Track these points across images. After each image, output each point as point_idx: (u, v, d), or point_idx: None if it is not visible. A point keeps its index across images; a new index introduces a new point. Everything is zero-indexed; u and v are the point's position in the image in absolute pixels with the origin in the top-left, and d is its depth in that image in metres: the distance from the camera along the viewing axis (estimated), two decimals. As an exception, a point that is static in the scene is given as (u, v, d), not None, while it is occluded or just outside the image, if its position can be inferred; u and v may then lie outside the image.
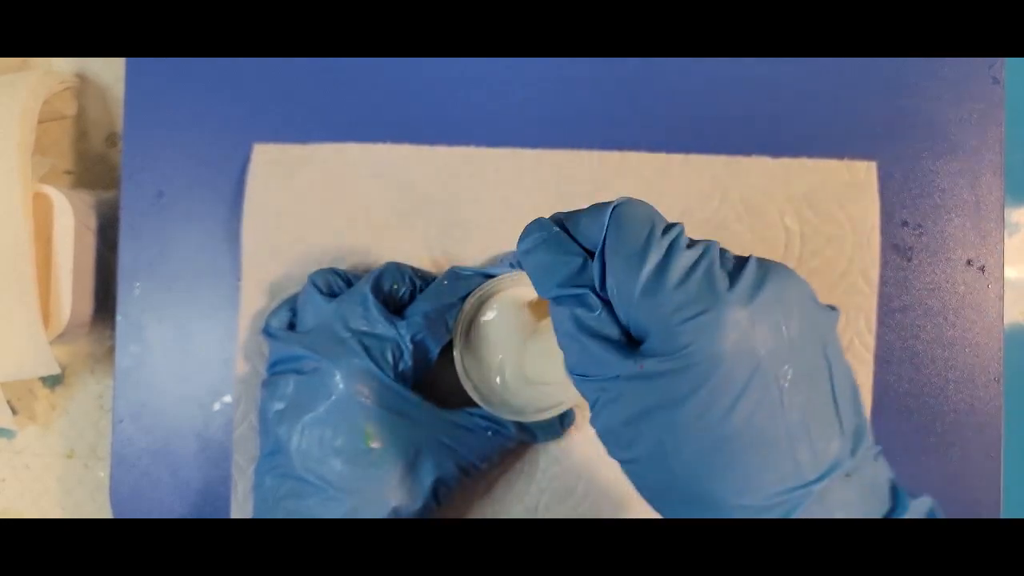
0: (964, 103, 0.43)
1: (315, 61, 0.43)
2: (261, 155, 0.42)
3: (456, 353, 0.38)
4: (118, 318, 0.43)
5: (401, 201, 0.42)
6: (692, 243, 0.26)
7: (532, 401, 0.39)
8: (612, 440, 0.27)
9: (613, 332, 0.26)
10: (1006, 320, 0.43)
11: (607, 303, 0.26)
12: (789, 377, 0.24)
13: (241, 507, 0.42)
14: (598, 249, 0.26)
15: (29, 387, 0.47)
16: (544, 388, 0.39)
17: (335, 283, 0.40)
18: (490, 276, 0.39)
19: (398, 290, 0.39)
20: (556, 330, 0.28)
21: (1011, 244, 0.45)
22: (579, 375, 0.27)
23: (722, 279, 0.25)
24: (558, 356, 0.39)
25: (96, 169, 0.48)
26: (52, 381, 0.47)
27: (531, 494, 0.41)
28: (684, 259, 0.25)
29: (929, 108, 0.43)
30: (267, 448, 0.37)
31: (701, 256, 0.25)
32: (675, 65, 0.43)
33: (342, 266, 0.41)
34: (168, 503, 0.43)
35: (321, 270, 0.40)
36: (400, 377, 0.37)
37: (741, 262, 0.26)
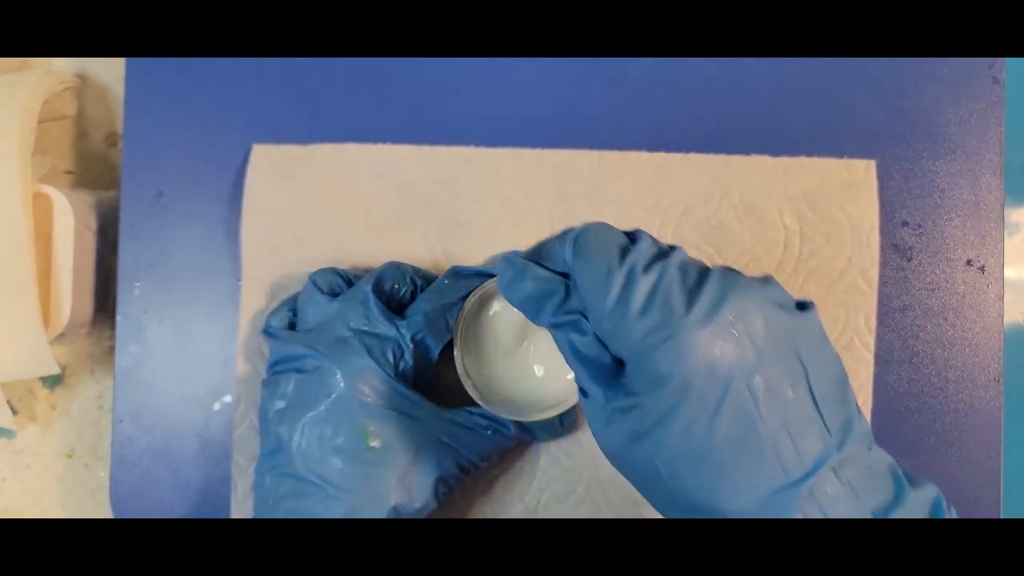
0: (964, 103, 0.43)
1: (315, 61, 0.43)
2: (260, 156, 0.42)
3: (456, 352, 0.38)
4: (118, 318, 0.43)
5: (401, 201, 0.42)
6: (653, 261, 0.27)
7: (532, 401, 0.39)
8: (613, 459, 0.28)
9: (604, 356, 0.27)
10: (1006, 320, 0.43)
11: None
12: (761, 387, 0.25)
13: (241, 507, 0.42)
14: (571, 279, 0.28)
15: (29, 387, 0.47)
16: (544, 388, 0.39)
17: (336, 283, 0.40)
18: (490, 275, 0.39)
19: (399, 290, 0.39)
20: (562, 353, 0.29)
21: (1011, 244, 0.46)
22: (583, 395, 0.28)
23: (681, 301, 0.26)
24: (558, 357, 0.39)
25: (96, 169, 0.48)
26: (52, 381, 0.47)
27: (531, 494, 0.41)
28: (643, 286, 0.26)
29: (929, 108, 0.43)
30: (267, 447, 0.37)
31: (659, 280, 0.26)
32: (675, 65, 0.43)
33: (342, 266, 0.41)
34: (168, 503, 0.43)
35: (322, 270, 0.40)
36: (401, 376, 0.37)
37: (703, 277, 0.26)
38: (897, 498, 0.26)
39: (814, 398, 0.26)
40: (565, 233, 0.28)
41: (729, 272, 0.27)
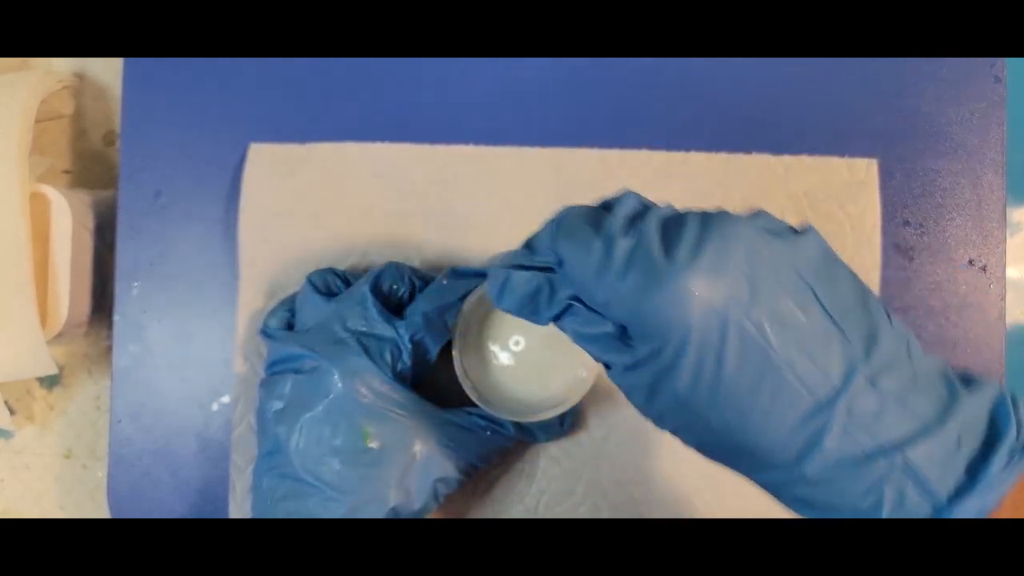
0: (965, 103, 0.43)
1: (314, 61, 0.43)
2: (258, 155, 0.42)
3: (455, 353, 0.38)
4: (116, 318, 0.43)
5: (400, 200, 0.42)
6: (633, 221, 0.27)
7: (532, 401, 0.39)
8: (651, 418, 0.28)
9: (607, 327, 0.27)
10: (1008, 320, 0.43)
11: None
12: (766, 316, 0.25)
13: (240, 507, 0.42)
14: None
15: (27, 387, 0.47)
16: (544, 388, 0.39)
17: (333, 283, 0.40)
18: (490, 276, 0.39)
19: (397, 290, 0.39)
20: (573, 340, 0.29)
21: (1013, 244, 0.45)
22: (607, 369, 0.28)
23: (659, 253, 0.26)
24: (558, 357, 0.39)
25: (94, 168, 0.47)
26: (50, 381, 0.47)
27: (531, 494, 0.41)
28: (622, 247, 0.26)
29: (930, 107, 0.43)
30: (266, 448, 0.37)
31: (638, 238, 0.26)
32: (676, 64, 0.43)
33: (341, 266, 0.41)
34: (167, 503, 0.42)
35: (319, 270, 0.40)
36: (399, 377, 0.37)
37: (680, 224, 0.26)
38: (950, 403, 0.25)
39: (830, 315, 0.26)
40: (546, 223, 0.29)
41: (710, 213, 0.27)
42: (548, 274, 0.28)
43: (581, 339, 0.28)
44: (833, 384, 0.25)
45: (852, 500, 0.25)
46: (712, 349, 0.25)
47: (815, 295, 0.26)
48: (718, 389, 0.25)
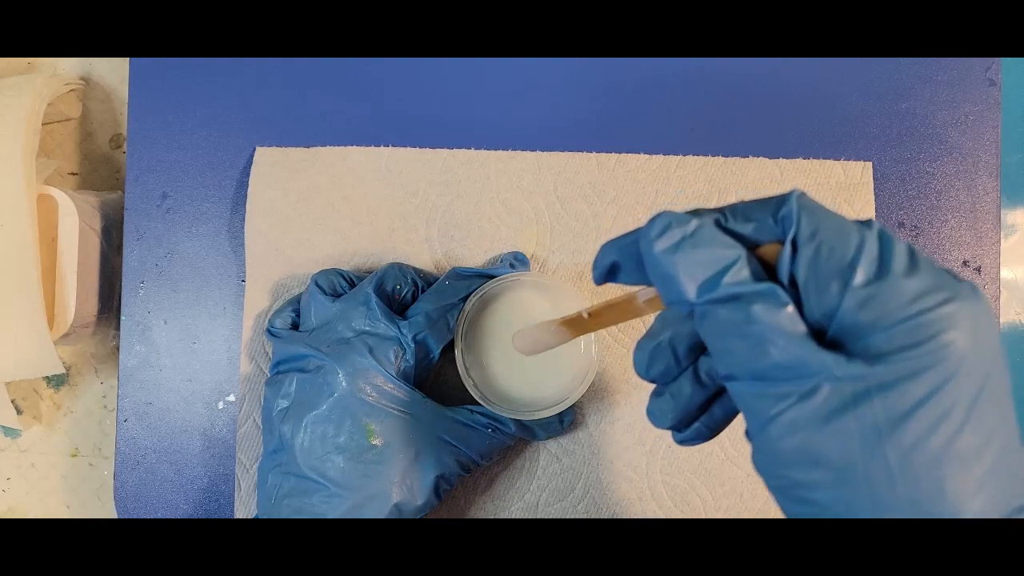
0: (960, 106, 0.44)
1: (318, 65, 0.43)
2: (264, 158, 0.43)
3: (457, 352, 0.39)
4: (123, 318, 0.43)
5: (403, 203, 0.43)
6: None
7: (532, 400, 0.39)
8: (786, 465, 0.22)
9: (803, 329, 0.22)
10: (1002, 320, 0.44)
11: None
12: (1006, 389, 0.21)
13: (245, 504, 0.42)
14: (789, 236, 0.22)
15: (34, 387, 0.48)
16: (544, 387, 0.39)
17: (338, 283, 0.40)
18: (491, 276, 0.40)
19: (400, 290, 0.39)
20: (708, 332, 0.23)
21: (1007, 245, 0.46)
22: (750, 380, 0.22)
23: (947, 272, 0.21)
24: (558, 356, 0.39)
25: (101, 171, 0.48)
26: (57, 381, 0.48)
27: (531, 491, 0.42)
28: (900, 247, 0.22)
29: (925, 110, 0.44)
30: (271, 446, 0.38)
31: (911, 246, 0.22)
32: (672, 66, 0.43)
33: (345, 267, 0.42)
34: (173, 501, 0.43)
35: (324, 271, 0.41)
36: (402, 376, 0.37)
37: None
38: None
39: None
40: (769, 197, 0.23)
41: None
42: (747, 250, 0.23)
43: (766, 328, 0.21)
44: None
45: None
46: (964, 400, 0.20)
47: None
48: (943, 458, 0.20)
